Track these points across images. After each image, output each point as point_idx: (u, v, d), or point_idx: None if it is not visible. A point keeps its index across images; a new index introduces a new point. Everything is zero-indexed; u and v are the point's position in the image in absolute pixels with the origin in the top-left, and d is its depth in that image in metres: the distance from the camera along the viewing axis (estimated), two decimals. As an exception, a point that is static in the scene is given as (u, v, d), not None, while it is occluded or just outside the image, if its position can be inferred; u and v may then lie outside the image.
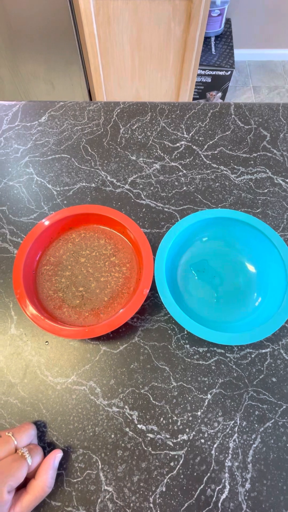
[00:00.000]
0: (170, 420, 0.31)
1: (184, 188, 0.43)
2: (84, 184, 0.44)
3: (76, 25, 1.06)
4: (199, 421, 0.31)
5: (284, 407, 0.32)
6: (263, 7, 1.48)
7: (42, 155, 0.46)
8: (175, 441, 0.31)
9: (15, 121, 0.49)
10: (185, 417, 0.31)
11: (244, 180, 0.44)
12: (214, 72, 1.38)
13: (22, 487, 0.26)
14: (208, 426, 0.31)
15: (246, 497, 0.29)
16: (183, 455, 0.30)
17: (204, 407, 0.32)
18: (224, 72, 1.38)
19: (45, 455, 0.29)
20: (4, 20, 1.02)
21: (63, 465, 0.30)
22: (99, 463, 0.30)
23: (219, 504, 0.28)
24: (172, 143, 0.47)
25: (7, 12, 1.00)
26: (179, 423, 0.31)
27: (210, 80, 1.42)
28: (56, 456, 0.28)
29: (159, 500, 0.29)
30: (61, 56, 1.14)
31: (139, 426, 0.31)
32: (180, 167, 0.45)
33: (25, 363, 0.34)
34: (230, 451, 0.30)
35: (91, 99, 1.34)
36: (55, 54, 1.14)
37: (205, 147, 0.46)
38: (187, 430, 0.31)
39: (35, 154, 0.46)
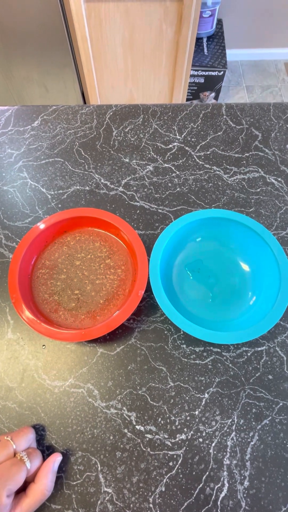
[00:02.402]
0: (168, 420, 0.32)
1: (178, 189, 0.43)
2: (78, 187, 0.44)
3: (68, 28, 1.06)
4: (197, 420, 0.31)
5: (280, 404, 0.32)
6: (253, 7, 1.49)
7: (36, 160, 0.46)
8: (173, 441, 0.31)
9: (8, 126, 0.49)
10: (183, 416, 0.32)
11: (237, 180, 0.44)
12: (207, 73, 1.39)
13: (21, 491, 0.26)
14: (206, 425, 0.31)
15: (245, 495, 0.29)
16: (181, 454, 0.30)
17: (201, 406, 0.32)
18: (216, 72, 1.38)
19: (44, 458, 0.29)
20: (-4, 25, 1.02)
21: (62, 468, 0.30)
22: (98, 465, 0.30)
23: (218, 503, 0.29)
24: (164, 144, 0.47)
25: (-1, 17, 1.00)
26: (177, 423, 0.31)
27: (203, 81, 1.43)
28: (56, 459, 0.28)
29: (159, 500, 0.29)
30: (54, 59, 1.15)
31: (137, 427, 0.31)
32: (173, 168, 0.45)
33: (22, 367, 0.34)
34: (228, 450, 0.30)
35: (84, 102, 1.34)
36: (48, 57, 1.14)
37: (198, 148, 0.47)
38: (185, 429, 0.31)
39: (28, 158, 0.46)
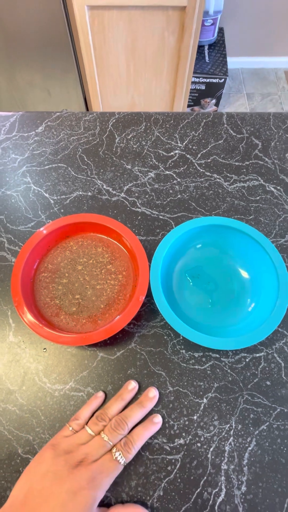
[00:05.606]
0: (166, 424, 0.32)
1: (179, 196, 0.44)
2: (80, 192, 0.45)
3: (71, 34, 1.07)
4: (195, 425, 0.32)
5: (278, 410, 0.32)
6: (255, 16, 1.52)
7: (39, 165, 0.47)
8: (172, 445, 0.31)
9: (13, 132, 0.50)
10: (181, 421, 0.32)
11: (237, 188, 0.45)
12: (208, 80, 1.41)
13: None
14: (204, 430, 0.32)
15: (242, 500, 0.29)
16: (180, 459, 0.31)
17: (200, 411, 0.32)
18: (217, 79, 1.40)
19: None
20: (0, 29, 1.04)
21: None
22: (97, 469, 0.30)
23: (216, 507, 0.29)
24: (166, 152, 0.48)
25: (3, 21, 1.01)
26: (175, 428, 0.32)
27: (204, 88, 1.45)
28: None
29: (157, 504, 0.29)
30: (57, 64, 1.16)
31: (136, 431, 0.32)
32: (174, 175, 0.46)
33: (23, 370, 0.34)
34: (226, 455, 0.31)
35: (87, 107, 1.36)
36: (51, 62, 1.15)
37: (199, 155, 0.48)
38: (183, 434, 0.31)
39: (32, 163, 0.47)
